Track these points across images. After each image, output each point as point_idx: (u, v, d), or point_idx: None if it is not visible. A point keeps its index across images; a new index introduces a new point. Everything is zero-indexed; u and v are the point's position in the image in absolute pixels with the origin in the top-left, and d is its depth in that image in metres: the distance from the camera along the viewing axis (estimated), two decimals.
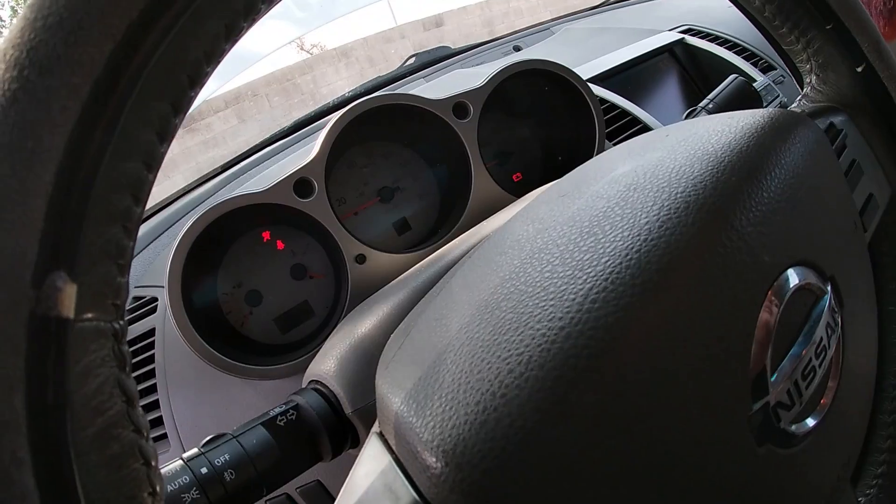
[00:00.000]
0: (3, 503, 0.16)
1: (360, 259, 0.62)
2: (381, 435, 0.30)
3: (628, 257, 0.26)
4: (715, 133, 0.33)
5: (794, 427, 0.30)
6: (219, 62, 0.23)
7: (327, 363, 0.44)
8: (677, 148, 0.32)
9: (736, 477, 0.28)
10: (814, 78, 0.46)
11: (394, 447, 0.28)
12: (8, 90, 0.17)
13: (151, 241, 0.87)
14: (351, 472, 0.30)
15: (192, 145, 6.09)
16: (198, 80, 0.21)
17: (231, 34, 0.22)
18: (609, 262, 0.26)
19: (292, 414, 0.42)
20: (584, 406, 0.24)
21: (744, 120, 0.34)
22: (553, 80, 0.76)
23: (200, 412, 0.65)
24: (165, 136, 0.21)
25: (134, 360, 0.67)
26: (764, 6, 0.43)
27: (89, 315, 0.18)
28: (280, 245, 0.67)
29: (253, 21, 0.23)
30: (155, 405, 0.65)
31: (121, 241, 0.19)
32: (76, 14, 0.18)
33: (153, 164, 0.20)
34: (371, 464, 0.29)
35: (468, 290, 0.31)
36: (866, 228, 0.40)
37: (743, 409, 0.28)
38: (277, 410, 0.42)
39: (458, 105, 0.69)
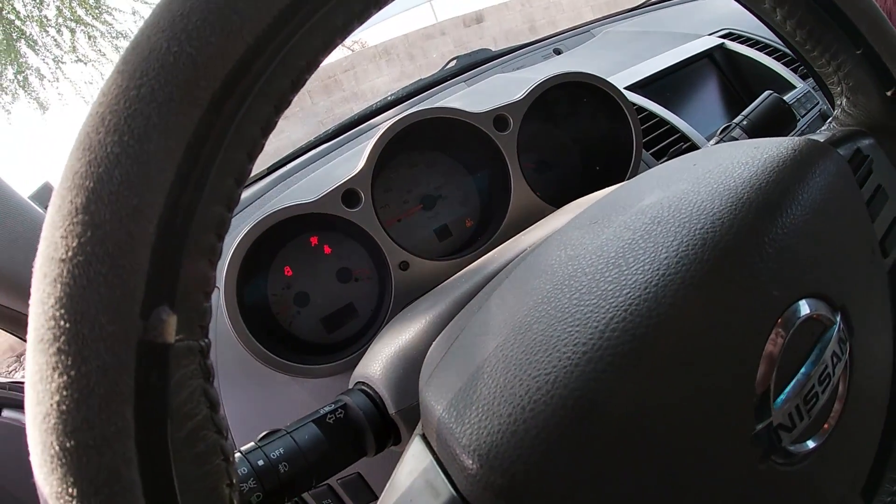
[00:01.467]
0: (114, 495, 0.19)
1: (404, 266, 0.65)
2: (423, 437, 0.33)
3: (647, 290, 0.29)
4: (739, 165, 0.34)
5: (793, 447, 0.32)
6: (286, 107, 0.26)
7: (373, 366, 0.47)
8: (702, 181, 0.34)
9: (738, 489, 0.30)
10: (844, 101, 0.47)
11: (435, 449, 0.31)
12: (111, 153, 0.20)
13: None
14: (396, 469, 0.33)
15: None
16: (269, 129, 0.24)
17: (296, 86, 0.25)
18: (630, 294, 0.29)
19: (341, 412, 0.44)
20: (601, 424, 0.27)
21: (768, 151, 0.35)
22: (591, 91, 0.78)
23: (247, 407, 0.69)
24: (242, 180, 0.23)
25: None
26: (795, 31, 0.44)
27: (181, 336, 0.21)
28: (327, 250, 0.70)
29: (313, 71, 0.26)
30: None
31: (207, 273, 0.22)
32: (167, 86, 0.20)
33: (232, 205, 0.23)
34: (414, 462, 0.32)
35: (504, 311, 0.33)
36: (888, 254, 0.41)
37: (746, 428, 0.30)
38: (327, 409, 0.44)
39: (499, 118, 0.71)
